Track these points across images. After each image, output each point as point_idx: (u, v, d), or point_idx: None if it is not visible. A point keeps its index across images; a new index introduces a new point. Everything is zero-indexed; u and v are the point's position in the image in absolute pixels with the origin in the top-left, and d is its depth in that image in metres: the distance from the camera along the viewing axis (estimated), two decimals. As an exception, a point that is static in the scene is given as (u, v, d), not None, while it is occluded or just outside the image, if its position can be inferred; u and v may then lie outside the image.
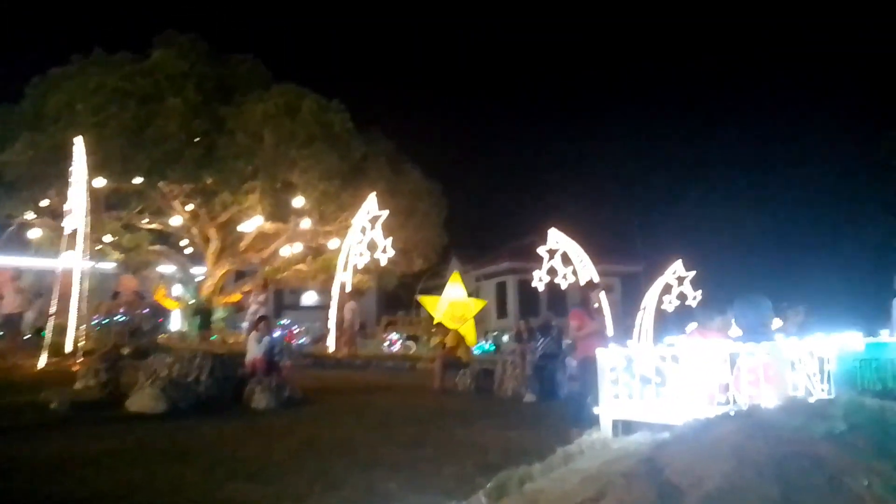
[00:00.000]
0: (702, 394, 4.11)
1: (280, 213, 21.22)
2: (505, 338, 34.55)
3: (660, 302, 22.69)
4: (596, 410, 5.15)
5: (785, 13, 48.18)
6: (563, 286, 19.80)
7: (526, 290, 34.83)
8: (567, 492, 3.53)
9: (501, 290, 34.98)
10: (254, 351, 10.28)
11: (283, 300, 34.52)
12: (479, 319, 30.26)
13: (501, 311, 34.44)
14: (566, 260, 19.72)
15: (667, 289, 22.62)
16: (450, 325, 24.18)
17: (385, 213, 17.29)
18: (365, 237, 17.37)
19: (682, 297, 22.49)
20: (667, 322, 23.76)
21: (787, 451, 2.81)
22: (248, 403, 8.86)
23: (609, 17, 55.09)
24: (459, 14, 58.40)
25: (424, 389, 11.66)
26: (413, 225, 22.40)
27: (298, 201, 20.47)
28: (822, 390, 3.58)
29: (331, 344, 17.05)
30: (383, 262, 17.49)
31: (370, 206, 17.34)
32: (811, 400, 3.42)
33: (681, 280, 22.58)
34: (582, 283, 20.26)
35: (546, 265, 19.64)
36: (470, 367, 11.88)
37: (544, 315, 15.05)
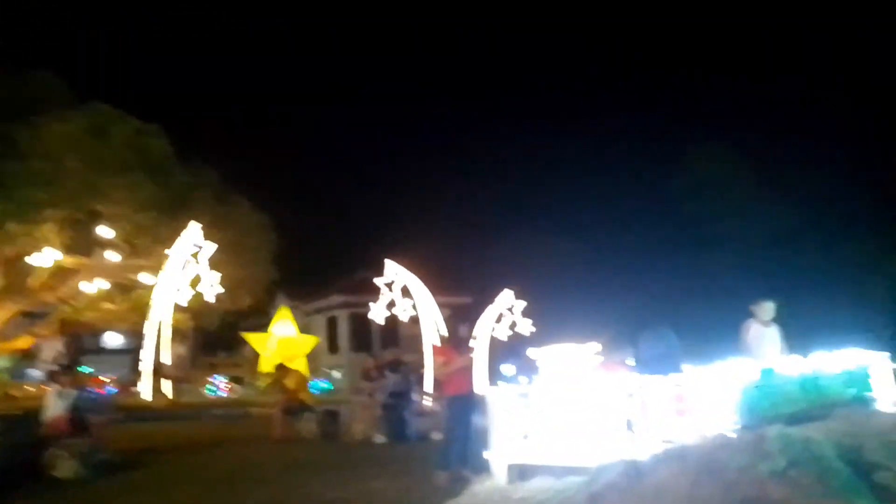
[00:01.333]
0: (613, 432, 3.87)
1: (81, 245, 18.75)
2: (336, 374, 33.55)
3: (491, 330, 23.18)
4: (487, 455, 4.72)
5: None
6: (404, 319, 19.43)
7: (358, 324, 34.16)
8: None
9: (332, 325, 33.98)
10: (55, 408, 8.56)
11: (82, 343, 30.56)
12: (310, 357, 29.02)
13: (333, 347, 33.35)
14: (405, 292, 19.42)
15: (498, 318, 23.17)
16: (278, 362, 22.84)
17: (212, 245, 15.85)
18: (187, 272, 15.76)
19: (512, 325, 23.16)
20: (499, 352, 24.40)
21: (739, 496, 2.56)
22: (49, 473, 7.29)
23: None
24: (290, 36, 57.09)
25: (264, 440, 10.55)
26: (241, 261, 20.86)
27: (105, 232, 18.19)
28: (734, 421, 3.50)
29: (146, 392, 15.11)
30: (211, 300, 15.95)
31: (194, 238, 15.80)
32: (733, 434, 3.29)
33: (512, 309, 23.26)
34: (422, 316, 20.17)
35: (384, 298, 19.17)
36: (314, 411, 11.00)
37: (392, 351, 14.57)
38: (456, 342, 7.23)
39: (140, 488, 6.87)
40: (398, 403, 11.07)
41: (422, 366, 16.32)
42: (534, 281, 26.22)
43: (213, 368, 29.30)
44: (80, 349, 29.17)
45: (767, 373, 4.00)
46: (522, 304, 23.45)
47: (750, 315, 6.24)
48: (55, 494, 6.61)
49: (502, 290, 25.25)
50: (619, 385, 3.93)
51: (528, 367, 14.68)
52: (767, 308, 6.50)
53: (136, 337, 29.27)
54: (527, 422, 4.40)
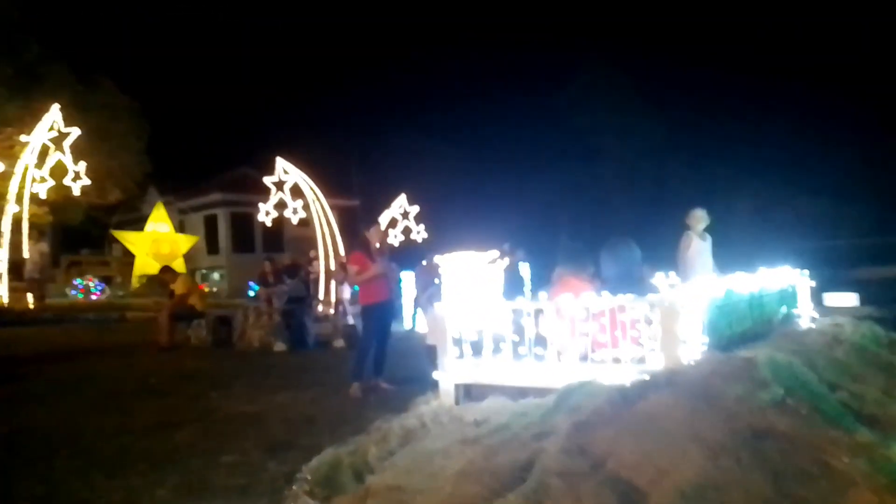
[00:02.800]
0: (573, 352, 3.68)
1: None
2: (215, 275, 32.05)
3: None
4: (435, 375, 4.43)
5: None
6: (294, 221, 18.52)
7: (239, 224, 32.48)
8: (454, 496, 2.76)
9: (211, 224, 32.01)
10: None
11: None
12: (187, 257, 27.46)
13: (212, 248, 31.65)
14: (295, 193, 18.41)
15: (392, 223, 22.82)
16: (154, 264, 21.36)
17: (75, 131, 14.00)
18: (47, 161, 13.93)
19: (406, 231, 22.94)
20: (396, 256, 24.21)
21: (744, 427, 2.41)
22: None
23: (321, -62, 52.52)
24: None
25: (149, 347, 9.75)
26: (108, 149, 18.83)
27: (-59, 110, 15.63)
28: (703, 343, 3.39)
29: (4, 295, 13.54)
30: (76, 192, 14.28)
31: (53, 121, 13.87)
32: (713, 356, 3.16)
33: (406, 214, 22.97)
34: (316, 217, 19.32)
35: (273, 198, 18.08)
36: (205, 317, 10.27)
37: (289, 254, 13.83)
38: (368, 248, 6.77)
39: (16, 403, 6.06)
40: (297, 309, 10.60)
41: (316, 269, 15.77)
42: (423, 188, 25.89)
43: (78, 267, 26.97)
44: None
45: (728, 291, 3.94)
46: (416, 208, 23.23)
47: (684, 227, 6.12)
48: None
49: (391, 194, 24.84)
50: (587, 303, 3.70)
51: (426, 275, 14.65)
52: (702, 217, 6.33)
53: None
54: (477, 337, 4.12)
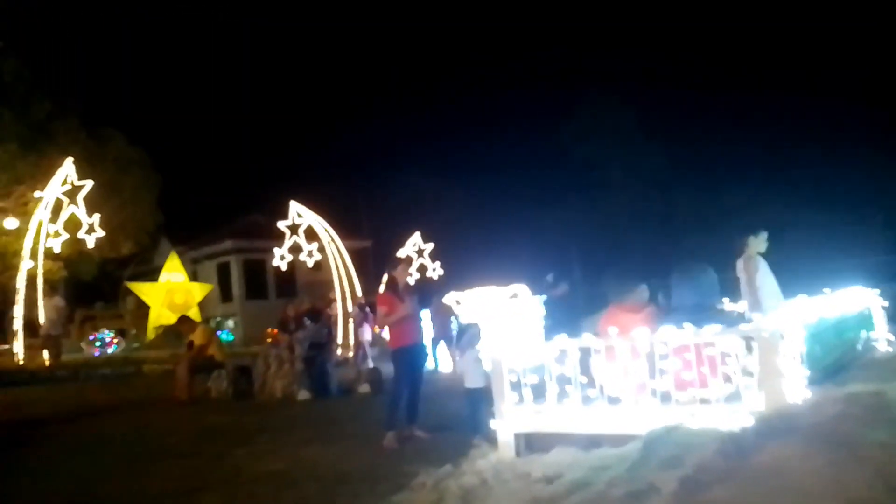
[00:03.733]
0: (652, 393, 3.28)
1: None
2: (229, 323, 31.76)
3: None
4: (492, 424, 4.03)
5: (485, 2, 51.88)
6: (310, 264, 18.27)
7: (252, 270, 32.33)
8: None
9: (224, 271, 31.87)
10: None
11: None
12: (201, 305, 27.18)
13: (225, 295, 31.43)
14: (309, 236, 18.20)
15: (408, 261, 22.53)
16: (169, 314, 21.10)
17: (88, 183, 13.89)
18: (61, 215, 13.80)
19: (422, 269, 22.65)
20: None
21: None
22: None
23: (322, -13, 53.59)
24: (155, -37, 51.43)
25: (168, 402, 9.39)
26: (119, 201, 18.75)
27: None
28: (803, 376, 3.02)
29: (19, 352, 13.25)
30: (90, 244, 14.11)
31: (69, 175, 13.78)
32: (830, 393, 2.78)
33: (420, 252, 22.71)
34: (332, 259, 19.07)
35: (288, 242, 17.87)
36: (225, 368, 9.91)
37: (306, 298, 13.50)
38: (396, 289, 6.44)
39: (31, 470, 5.70)
40: (318, 355, 10.23)
41: (334, 312, 15.44)
42: (434, 226, 25.69)
43: (92, 322, 26.76)
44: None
45: (819, 317, 3.56)
46: (430, 245, 22.96)
47: (739, 250, 5.60)
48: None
49: (402, 233, 24.63)
50: (668, 337, 3.31)
51: (441, 315, 14.28)
52: (763, 240, 5.88)
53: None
54: (538, 380, 3.72)
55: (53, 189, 13.90)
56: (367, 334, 15.72)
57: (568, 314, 8.57)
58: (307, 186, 25.41)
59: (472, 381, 5.80)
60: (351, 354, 15.76)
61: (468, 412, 5.75)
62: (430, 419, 6.64)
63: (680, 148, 38.61)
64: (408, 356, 6.34)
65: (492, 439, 4.11)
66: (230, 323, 31.66)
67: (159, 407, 9.14)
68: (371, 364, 14.52)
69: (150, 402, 9.49)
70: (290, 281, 30.51)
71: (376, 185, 39.83)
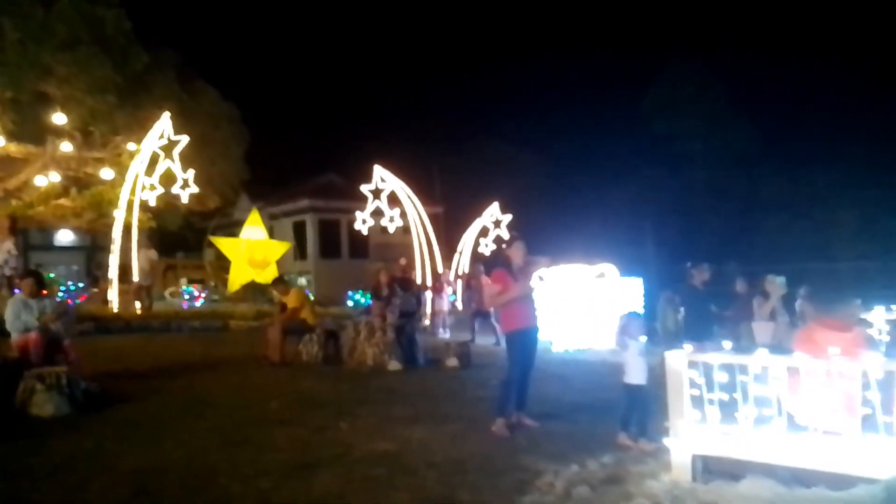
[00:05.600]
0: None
1: (29, 132, 16.60)
2: (302, 280, 32.31)
3: (476, 244, 22.23)
4: (667, 442, 3.65)
5: None
6: (391, 230, 18.15)
7: (327, 229, 32.71)
8: None
9: (300, 230, 32.39)
10: (22, 323, 7.16)
11: (29, 240, 28.35)
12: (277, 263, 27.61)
13: (300, 254, 31.91)
14: (392, 201, 18.05)
15: (483, 231, 22.18)
16: (249, 270, 21.47)
17: (184, 138, 14.05)
18: (157, 169, 14.03)
19: (498, 240, 22.21)
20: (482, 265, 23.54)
21: None
22: (24, 411, 6.02)
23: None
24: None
25: (258, 362, 9.42)
26: (209, 156, 19.02)
27: (58, 118, 16.06)
28: None
29: (114, 300, 13.67)
30: (184, 199, 14.34)
31: (165, 129, 13.95)
32: None
33: (498, 223, 22.26)
34: (413, 226, 18.92)
35: (370, 206, 17.78)
36: (315, 332, 9.86)
37: (400, 264, 13.42)
38: (510, 267, 6.07)
39: (141, 430, 5.70)
40: (407, 324, 10.07)
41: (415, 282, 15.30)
42: (506, 195, 25.04)
43: (174, 271, 27.66)
44: (27, 244, 27.05)
45: None
46: (508, 217, 22.46)
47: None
48: (40, 441, 5.34)
49: (475, 201, 24.18)
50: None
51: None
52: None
53: (89, 235, 27.33)
54: (728, 397, 3.29)
55: (150, 142, 14.11)
56: (445, 304, 15.57)
57: (709, 307, 7.96)
58: (382, 148, 25.30)
59: (633, 377, 5.39)
60: (427, 323, 15.67)
61: (625, 410, 5.37)
62: (533, 406, 6.32)
63: (768, 121, 36.48)
64: (523, 339, 6.01)
65: (653, 452, 3.72)
66: (303, 281, 32.23)
67: (252, 366, 9.17)
68: (447, 334, 14.39)
69: (243, 361, 9.54)
70: (363, 242, 30.72)
71: (450, 151, 39.37)
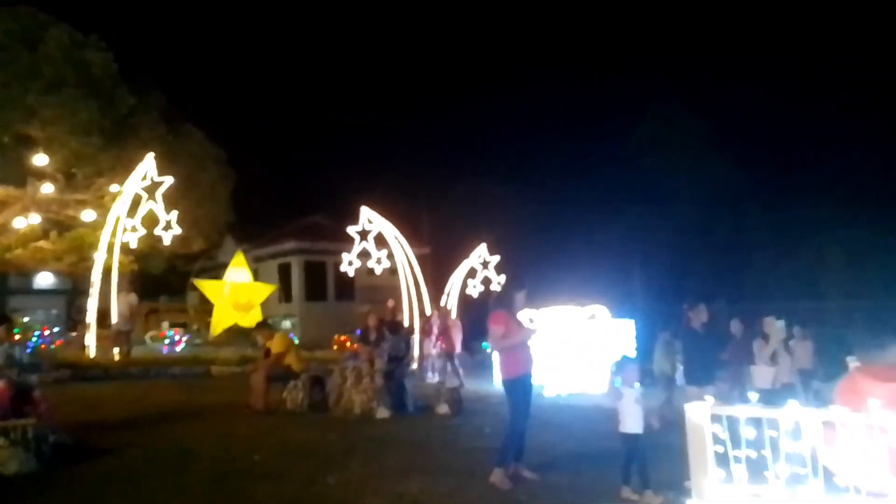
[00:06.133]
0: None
1: (10, 173, 16.34)
2: (286, 324, 31.78)
3: (464, 286, 21.99)
4: None
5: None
6: (378, 271, 17.90)
7: (313, 272, 32.32)
8: None
9: (285, 272, 31.98)
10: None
11: (8, 283, 27.77)
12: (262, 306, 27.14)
13: (285, 296, 31.44)
14: (379, 242, 17.84)
15: (471, 273, 21.96)
16: (233, 313, 21.03)
17: (168, 179, 13.82)
18: (139, 210, 13.76)
19: (486, 281, 22.00)
20: (470, 307, 23.24)
21: None
22: (-12, 467, 5.61)
23: None
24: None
25: (241, 410, 9.02)
26: (195, 198, 18.79)
27: (40, 160, 15.81)
28: None
29: (91, 346, 13.21)
30: (167, 241, 14.03)
31: (148, 170, 13.73)
32: None
33: (486, 264, 22.07)
34: (401, 267, 18.68)
35: (357, 247, 17.55)
36: (301, 378, 9.49)
37: (388, 307, 13.12)
38: (512, 310, 5.84)
39: (115, 488, 5.29)
40: (396, 369, 9.74)
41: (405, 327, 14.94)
42: (493, 235, 24.93)
43: (156, 314, 27.09)
44: (5, 289, 26.46)
45: None
46: (496, 258, 22.29)
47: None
48: (4, 502, 4.96)
49: (462, 241, 24.03)
50: None
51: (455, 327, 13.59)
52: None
53: (69, 278, 26.78)
54: (756, 454, 3.03)
55: (133, 184, 13.87)
56: (433, 347, 15.21)
57: (711, 350, 7.72)
58: (369, 189, 25.20)
59: (630, 426, 5.15)
60: (415, 366, 15.28)
61: (624, 461, 5.11)
62: (532, 456, 6.01)
63: (753, 161, 36.90)
64: (523, 385, 5.74)
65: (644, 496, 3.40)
66: (287, 324, 31.70)
67: (236, 415, 8.76)
68: (436, 378, 14.00)
69: (226, 409, 9.13)
70: (348, 284, 30.37)
71: (437, 192, 39.38)
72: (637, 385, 5.34)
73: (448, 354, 12.89)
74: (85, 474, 5.67)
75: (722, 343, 9.27)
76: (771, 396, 7.22)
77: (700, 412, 3.24)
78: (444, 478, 5.73)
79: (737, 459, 3.11)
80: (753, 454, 3.06)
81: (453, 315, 21.48)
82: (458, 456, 6.65)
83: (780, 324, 8.61)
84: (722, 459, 3.18)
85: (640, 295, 31.06)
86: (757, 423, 3.04)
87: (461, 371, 13.71)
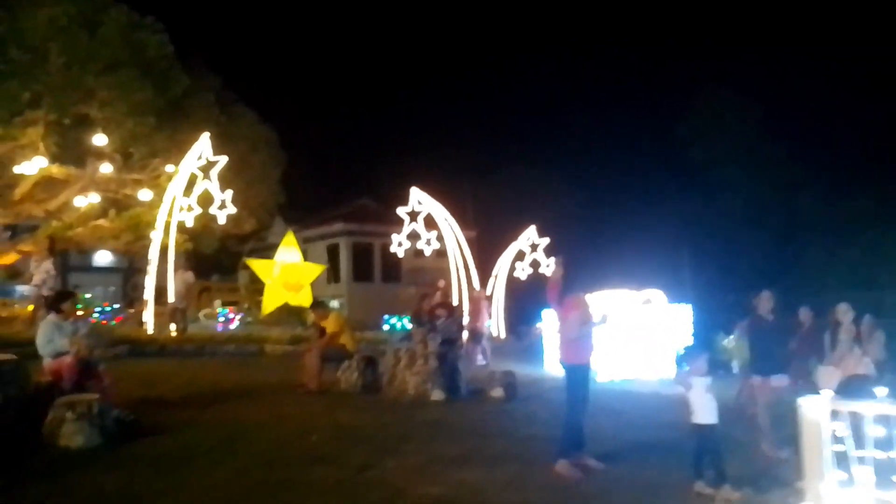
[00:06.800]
0: None
1: (71, 154, 16.69)
2: (334, 304, 32.11)
3: (512, 269, 21.72)
4: None
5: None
6: (428, 253, 17.77)
7: (360, 253, 32.55)
8: None
9: (333, 253, 32.29)
10: (55, 346, 6.87)
11: (68, 261, 28.69)
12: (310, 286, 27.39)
13: (333, 277, 31.74)
14: (429, 224, 17.69)
15: (519, 255, 21.66)
16: (284, 293, 21.24)
17: (223, 159, 13.90)
18: (194, 190, 13.90)
19: (535, 264, 21.68)
20: (517, 290, 22.97)
21: None
22: (53, 441, 5.68)
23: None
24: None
25: (294, 390, 9.01)
26: (246, 179, 18.93)
27: (99, 140, 16.11)
28: None
29: (149, 322, 13.47)
30: (221, 220, 14.15)
31: (203, 150, 13.83)
32: None
33: (534, 247, 21.73)
34: (450, 249, 18.52)
35: (406, 228, 17.44)
36: (355, 359, 9.44)
37: (439, 287, 12.99)
38: (581, 296, 5.61)
39: (174, 467, 5.30)
40: (449, 352, 9.60)
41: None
42: (540, 220, 24.47)
43: (208, 293, 27.67)
44: (66, 265, 27.34)
45: None
46: (546, 241, 21.92)
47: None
48: (67, 477, 4.98)
49: (508, 225, 23.69)
50: None
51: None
52: None
53: (126, 256, 27.52)
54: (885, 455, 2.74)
55: (188, 164, 14.00)
56: (485, 328, 15.05)
57: (778, 340, 7.35)
58: (415, 172, 25.05)
59: (703, 416, 4.92)
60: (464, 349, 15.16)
61: (696, 453, 4.88)
62: (593, 445, 5.79)
63: (806, 149, 35.57)
64: (584, 374, 5.53)
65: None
66: (335, 304, 32.01)
67: (289, 394, 8.77)
68: (483, 361, 13.86)
69: (279, 388, 9.14)
70: (395, 266, 30.46)
71: (484, 176, 39.06)
72: (708, 375, 5.10)
73: (475, 334, 12.76)
74: (144, 452, 5.69)
75: (789, 333, 8.82)
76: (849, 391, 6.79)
77: (817, 408, 2.96)
78: (504, 466, 5.56)
79: (860, 461, 2.83)
80: (882, 455, 2.77)
81: (499, 297, 21.32)
82: (517, 443, 6.47)
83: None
84: (842, 460, 2.90)
85: (689, 283, 30.34)
86: (886, 420, 2.75)
87: (488, 351, 13.65)
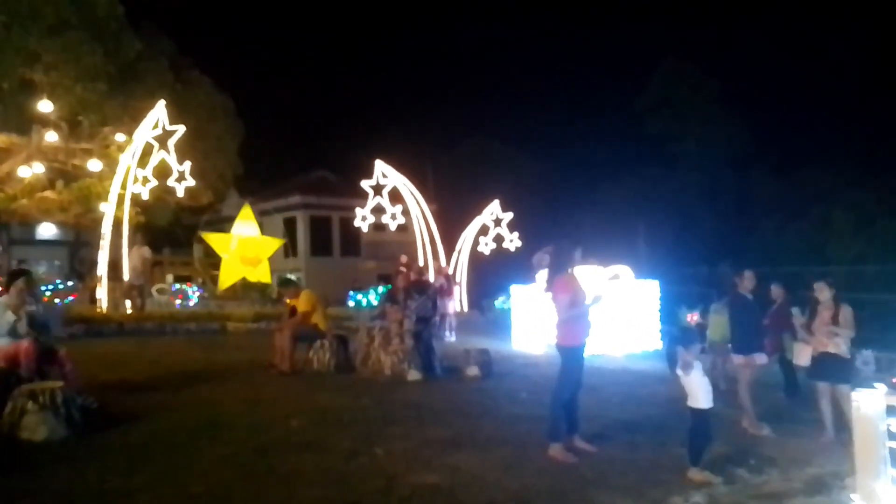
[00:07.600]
0: None
1: (13, 121, 15.73)
2: (290, 277, 31.52)
3: (475, 243, 21.62)
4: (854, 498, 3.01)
5: None
6: (392, 227, 17.49)
7: (318, 227, 31.92)
8: None
9: (290, 226, 31.54)
10: (10, 328, 6.37)
11: (10, 233, 27.28)
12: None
13: (290, 251, 31.07)
14: (394, 197, 17.38)
15: (483, 230, 21.56)
16: (241, 267, 20.67)
17: (180, 128, 13.27)
18: (150, 160, 13.24)
19: (498, 239, 21.63)
20: (481, 264, 22.89)
21: None
22: (13, 434, 5.27)
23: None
24: None
25: (267, 371, 8.72)
26: (202, 149, 18.18)
27: (45, 106, 15.18)
28: None
29: (103, 300, 12.87)
30: (180, 193, 13.57)
31: (160, 119, 13.16)
32: None
33: (498, 222, 21.65)
34: (416, 223, 18.27)
35: (371, 202, 17.10)
36: (327, 338, 9.17)
37: (416, 267, 12.75)
38: (575, 278, 5.46)
39: (150, 459, 4.98)
40: (423, 331, 9.42)
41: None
42: (499, 192, 24.38)
43: (160, 267, 26.75)
44: (8, 239, 26.00)
45: None
46: (510, 215, 21.85)
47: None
48: (33, 474, 4.59)
49: (469, 199, 23.54)
50: None
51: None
52: None
53: (74, 229, 26.33)
54: None
55: (143, 133, 13.32)
56: (450, 306, 14.93)
57: (759, 318, 7.41)
58: (374, 145, 24.56)
59: (699, 401, 4.86)
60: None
61: (695, 438, 4.83)
62: (580, 424, 5.72)
63: (761, 125, 36.37)
64: (579, 355, 5.41)
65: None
66: (292, 277, 31.42)
67: (263, 376, 8.47)
68: (452, 338, 13.77)
69: (249, 369, 8.84)
70: (354, 240, 30.02)
71: (443, 149, 38.68)
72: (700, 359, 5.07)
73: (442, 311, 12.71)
74: (117, 443, 5.35)
75: (764, 310, 8.93)
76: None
77: (872, 401, 2.87)
78: (497, 450, 5.43)
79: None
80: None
81: (463, 272, 21.22)
82: (504, 425, 6.35)
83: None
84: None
85: (644, 256, 30.84)
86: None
87: (453, 326, 13.59)
